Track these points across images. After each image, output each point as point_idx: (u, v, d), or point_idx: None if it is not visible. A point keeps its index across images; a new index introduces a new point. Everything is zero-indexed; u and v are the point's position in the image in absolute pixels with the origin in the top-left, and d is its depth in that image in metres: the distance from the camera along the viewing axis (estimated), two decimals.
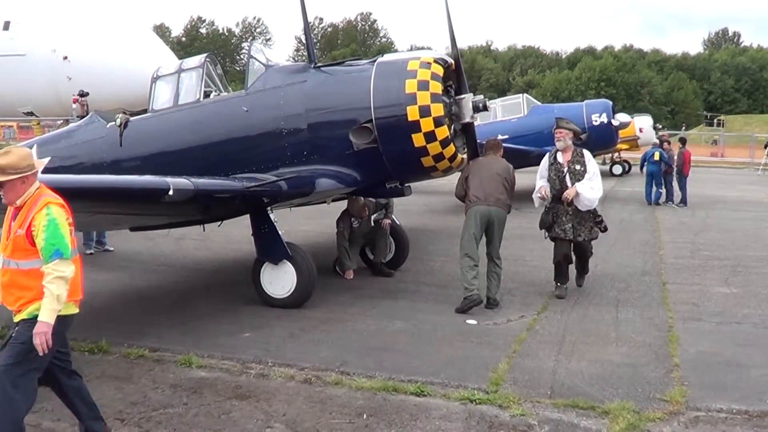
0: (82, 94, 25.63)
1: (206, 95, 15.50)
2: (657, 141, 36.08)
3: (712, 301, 14.32)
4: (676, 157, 32.26)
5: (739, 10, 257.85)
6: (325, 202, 16.66)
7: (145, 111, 16.49)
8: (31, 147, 17.73)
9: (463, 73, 14.30)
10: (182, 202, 11.75)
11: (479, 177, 13.74)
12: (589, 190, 13.73)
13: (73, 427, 8.43)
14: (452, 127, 14.00)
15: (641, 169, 34.52)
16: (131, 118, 16.17)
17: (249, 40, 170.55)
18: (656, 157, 31.56)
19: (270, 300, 13.65)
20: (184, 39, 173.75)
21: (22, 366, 7.23)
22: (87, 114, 20.68)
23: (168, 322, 12.77)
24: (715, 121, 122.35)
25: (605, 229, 14.79)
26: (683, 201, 31.29)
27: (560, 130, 14.09)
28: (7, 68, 38.14)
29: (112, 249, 19.55)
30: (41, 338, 7.02)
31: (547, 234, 14.37)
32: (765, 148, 57.50)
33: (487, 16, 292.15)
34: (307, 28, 15.68)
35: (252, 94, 14.82)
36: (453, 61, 14.28)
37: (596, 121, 34.34)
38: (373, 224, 16.54)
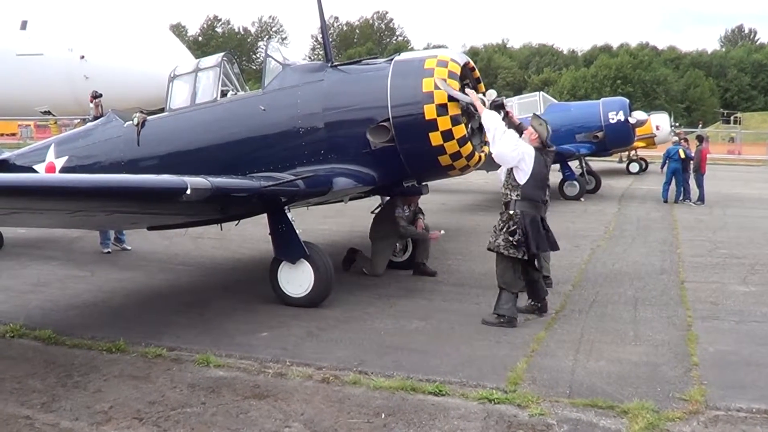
0: (96, 96, 25.62)
1: (223, 94, 15.54)
2: (676, 139, 35.99)
3: (730, 300, 14.26)
4: (693, 155, 32.20)
5: (755, 7, 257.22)
6: (342, 201, 16.64)
7: (162, 110, 16.53)
8: (48, 146, 17.86)
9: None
10: (200, 201, 11.74)
11: None
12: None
13: (91, 426, 8.47)
14: (469, 125, 13.99)
15: (662, 167, 34.37)
16: (148, 118, 16.21)
17: (265, 38, 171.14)
18: (681, 154, 31.46)
19: (287, 299, 13.64)
20: (200, 38, 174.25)
21: None
22: (102, 115, 20.71)
23: (186, 321, 12.79)
24: (732, 118, 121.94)
25: (518, 245, 12.42)
26: (701, 199, 31.23)
27: (529, 128, 13.11)
28: (25, 67, 38.34)
29: (129, 248, 19.58)
30: None
31: None
32: None
33: (502, 14, 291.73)
34: (324, 27, 15.69)
35: (269, 93, 14.82)
36: (470, 60, 14.29)
37: (613, 119, 34.28)
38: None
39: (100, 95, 25.57)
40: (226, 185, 12.73)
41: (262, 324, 12.55)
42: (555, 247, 13.42)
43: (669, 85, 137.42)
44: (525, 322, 12.59)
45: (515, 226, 12.39)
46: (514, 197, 12.54)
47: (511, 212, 12.47)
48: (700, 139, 34.47)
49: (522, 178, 12.48)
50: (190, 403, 9.12)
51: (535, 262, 13.25)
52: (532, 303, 13.18)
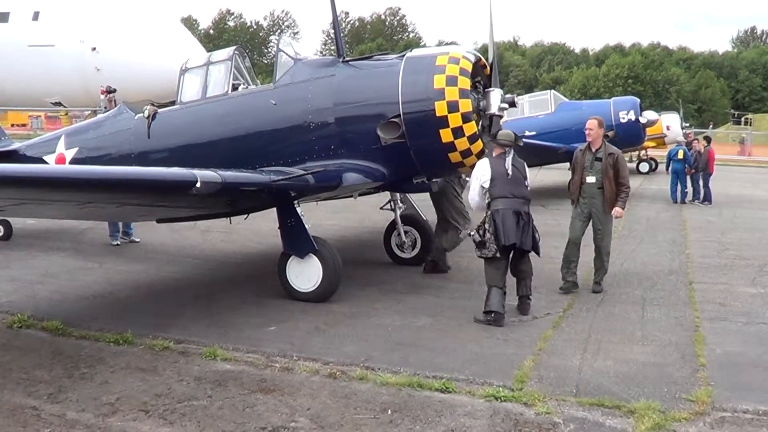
0: (110, 90, 25.53)
1: (234, 88, 15.55)
2: (681, 139, 35.95)
3: (738, 301, 14.22)
4: (692, 157, 32.18)
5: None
6: (351, 196, 16.63)
7: (173, 103, 16.54)
8: (59, 137, 17.90)
9: (496, 72, 14.27)
10: (209, 194, 11.77)
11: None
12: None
13: (97, 417, 8.49)
14: (480, 123, 13.98)
15: (667, 168, 34.35)
16: (159, 110, 16.24)
17: (277, 33, 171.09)
18: (680, 155, 31.49)
19: (296, 294, 13.66)
20: (212, 32, 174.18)
21: None
22: None
23: (193, 314, 12.82)
24: (743, 119, 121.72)
25: (482, 244, 12.82)
26: (707, 199, 31.23)
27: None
28: (36, 59, 38.38)
29: (138, 240, 19.63)
30: None
31: None
32: None
33: (513, 12, 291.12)
34: (336, 22, 15.67)
35: (280, 88, 14.82)
36: (482, 57, 14.28)
37: (624, 118, 34.26)
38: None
39: (114, 90, 25.52)
40: (236, 179, 12.77)
41: (270, 318, 12.58)
42: (533, 246, 13.09)
43: (681, 85, 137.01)
44: (532, 320, 12.60)
45: (482, 225, 12.65)
46: (487, 200, 12.83)
47: (485, 214, 12.76)
48: (708, 140, 34.46)
49: (486, 183, 12.81)
50: (196, 396, 9.14)
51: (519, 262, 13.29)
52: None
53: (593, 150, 14.43)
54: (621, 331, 12.00)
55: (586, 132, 14.49)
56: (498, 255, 12.57)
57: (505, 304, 12.58)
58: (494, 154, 13.09)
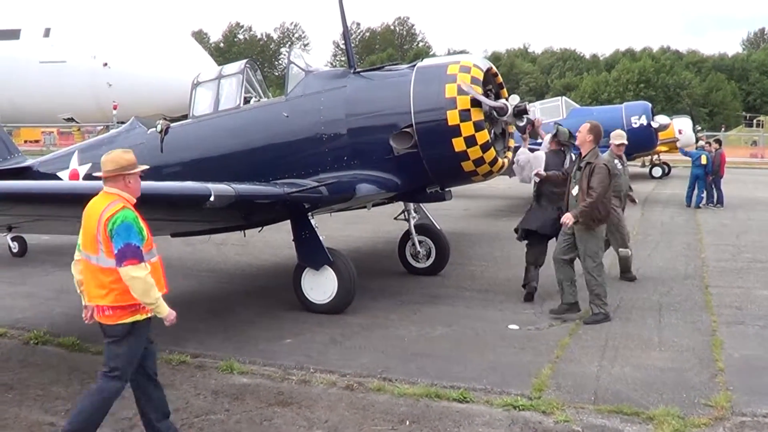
0: None
1: (246, 101, 15.56)
2: (703, 144, 35.83)
3: (755, 305, 14.17)
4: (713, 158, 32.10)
5: None
6: (365, 207, 16.62)
7: (185, 117, 16.56)
8: (72, 153, 17.93)
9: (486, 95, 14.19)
10: (223, 208, 11.77)
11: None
12: None
13: None
14: (492, 131, 13.96)
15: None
16: (172, 124, 16.23)
17: (287, 45, 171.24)
18: (703, 160, 31.32)
19: (311, 306, 13.66)
20: (222, 45, 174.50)
21: None
22: None
23: (209, 328, 12.82)
24: (755, 121, 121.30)
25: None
26: (720, 201, 31.12)
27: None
28: (48, 75, 38.48)
29: None
30: None
31: None
32: None
33: (523, 19, 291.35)
34: (347, 33, 15.69)
35: (292, 100, 14.83)
36: (493, 66, 14.28)
37: (636, 123, 34.22)
38: None
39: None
40: (250, 192, 12.77)
41: (286, 331, 12.58)
42: (545, 229, 14.23)
43: (692, 89, 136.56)
44: (549, 328, 12.57)
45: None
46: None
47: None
48: (719, 142, 34.36)
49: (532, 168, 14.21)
50: (214, 410, 9.14)
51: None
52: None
53: (581, 158, 13.14)
54: (638, 337, 11.98)
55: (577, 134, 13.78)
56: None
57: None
58: (550, 149, 14.38)
